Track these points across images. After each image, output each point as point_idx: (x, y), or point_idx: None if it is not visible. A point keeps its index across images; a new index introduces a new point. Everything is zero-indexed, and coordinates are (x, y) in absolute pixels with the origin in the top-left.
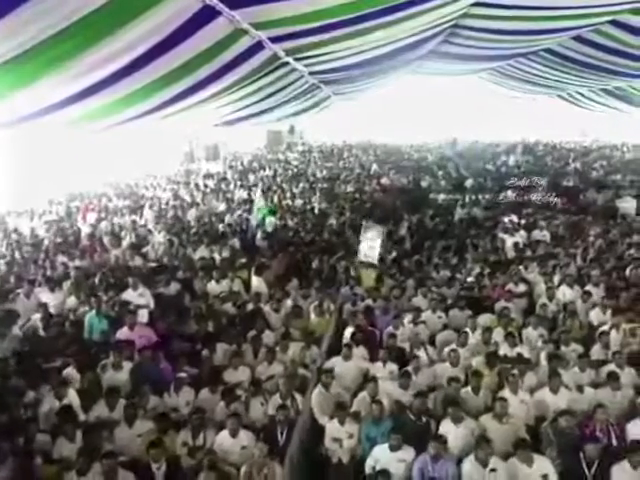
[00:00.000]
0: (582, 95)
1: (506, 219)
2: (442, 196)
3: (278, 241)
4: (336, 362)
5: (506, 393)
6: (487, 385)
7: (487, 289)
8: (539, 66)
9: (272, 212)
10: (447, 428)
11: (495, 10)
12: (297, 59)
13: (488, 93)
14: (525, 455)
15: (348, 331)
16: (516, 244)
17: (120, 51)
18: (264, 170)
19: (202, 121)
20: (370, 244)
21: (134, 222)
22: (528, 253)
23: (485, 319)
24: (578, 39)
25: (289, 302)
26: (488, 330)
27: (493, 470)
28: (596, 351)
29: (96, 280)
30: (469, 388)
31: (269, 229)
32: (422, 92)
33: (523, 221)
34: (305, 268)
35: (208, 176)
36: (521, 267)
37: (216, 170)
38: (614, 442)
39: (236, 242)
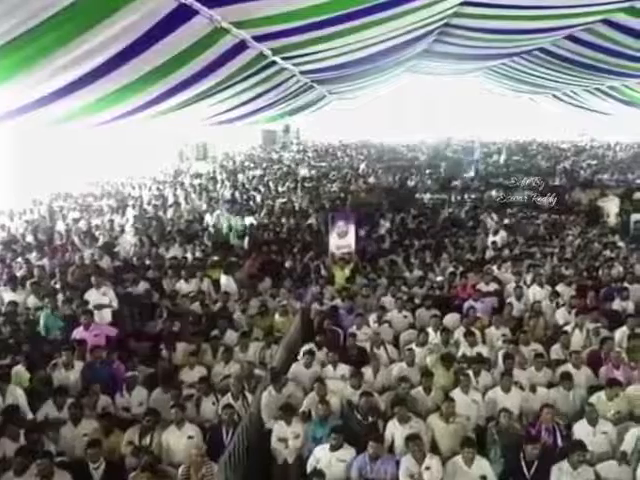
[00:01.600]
0: (577, 95)
1: (487, 218)
2: (428, 195)
3: (253, 240)
4: (296, 369)
5: (457, 393)
6: (441, 385)
7: (457, 288)
8: (534, 66)
9: (250, 212)
10: (393, 428)
11: (485, 9)
12: (285, 58)
13: (485, 93)
14: (467, 455)
15: None
16: (494, 243)
17: (93, 51)
18: (254, 170)
19: (193, 120)
20: (342, 239)
21: (112, 222)
22: (506, 252)
23: (450, 319)
24: (571, 38)
25: (256, 301)
26: (446, 330)
27: (428, 468)
28: (555, 351)
29: (56, 279)
30: (420, 388)
31: (244, 228)
32: (420, 91)
33: (507, 221)
34: (278, 267)
35: (197, 175)
36: (494, 266)
37: (205, 170)
38: (559, 442)
39: (211, 241)
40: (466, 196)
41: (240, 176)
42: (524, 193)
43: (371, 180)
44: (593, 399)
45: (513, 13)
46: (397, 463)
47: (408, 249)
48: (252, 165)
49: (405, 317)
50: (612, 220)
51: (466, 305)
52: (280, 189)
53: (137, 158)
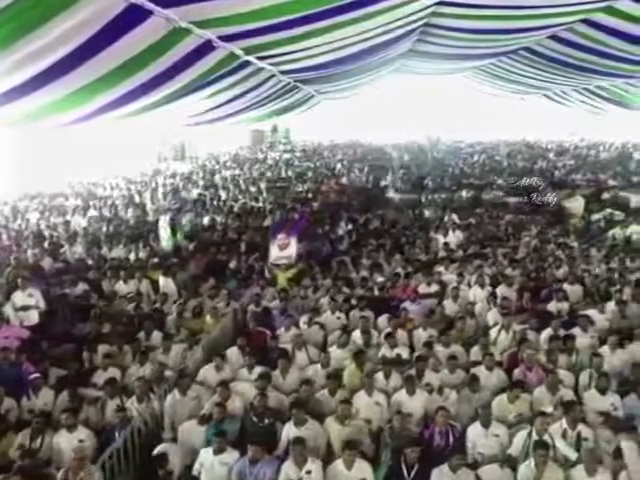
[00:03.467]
0: (567, 94)
1: (447, 218)
2: (399, 195)
3: (199, 241)
4: (206, 372)
5: (361, 394)
6: (355, 386)
7: (397, 290)
8: (521, 65)
9: (198, 213)
10: (289, 430)
11: (463, 9)
12: (261, 58)
13: (477, 93)
14: (347, 458)
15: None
16: (446, 244)
17: (42, 51)
18: (231, 170)
19: (171, 121)
20: (282, 250)
21: (67, 222)
22: (460, 253)
23: (382, 320)
24: (555, 38)
25: (195, 302)
26: (367, 332)
27: (308, 472)
28: (474, 352)
29: None
30: (326, 390)
31: (192, 229)
32: (411, 92)
33: (473, 220)
34: (223, 268)
35: (173, 176)
36: (441, 267)
37: (182, 170)
38: (451, 444)
39: (157, 242)
40: (436, 196)
41: (216, 177)
42: (493, 193)
43: (343, 180)
44: (495, 401)
45: (492, 13)
46: (278, 466)
47: (361, 250)
48: (233, 165)
49: (338, 318)
50: (576, 220)
51: (401, 306)
52: (251, 189)
53: (116, 158)
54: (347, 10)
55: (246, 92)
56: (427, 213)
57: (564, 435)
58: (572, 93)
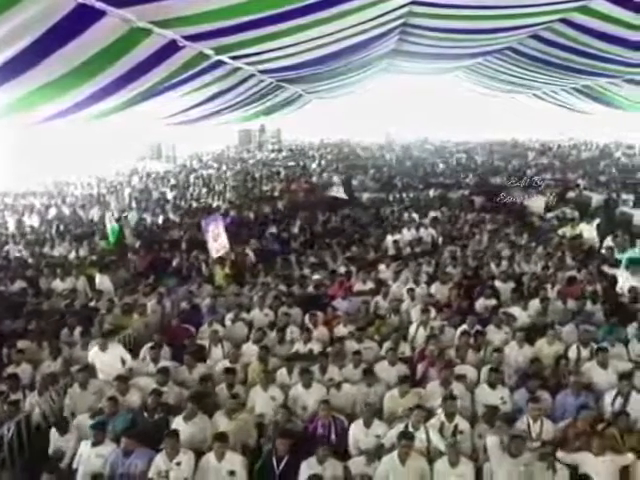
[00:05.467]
0: (556, 94)
1: (406, 217)
2: (367, 194)
3: (144, 239)
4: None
5: (257, 389)
6: (253, 381)
7: (331, 287)
8: (508, 65)
9: (155, 212)
10: (179, 424)
11: (438, 9)
12: (234, 58)
13: (470, 93)
14: (218, 450)
15: None
16: (395, 242)
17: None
18: (209, 170)
19: (152, 120)
20: (216, 241)
21: (19, 221)
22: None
23: (307, 317)
24: (537, 38)
25: (130, 299)
26: (281, 328)
27: (178, 464)
28: (385, 348)
29: None
30: (223, 385)
31: (141, 227)
32: (402, 91)
33: (436, 217)
34: (166, 265)
35: (148, 175)
36: (383, 266)
37: (158, 169)
38: (333, 438)
39: (103, 240)
40: (404, 195)
41: (191, 176)
42: (460, 192)
43: (314, 180)
44: (387, 396)
45: (468, 13)
46: (150, 458)
47: (311, 248)
48: (214, 165)
49: (266, 315)
50: (535, 219)
51: (332, 304)
52: (217, 188)
53: (96, 158)
54: (315, 10)
55: (224, 92)
56: (388, 212)
57: (441, 428)
58: (561, 93)
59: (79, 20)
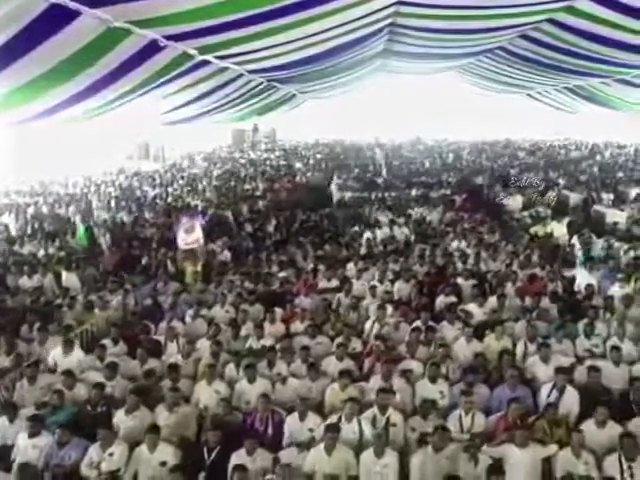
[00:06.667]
0: (549, 94)
1: (381, 216)
2: (349, 194)
3: (115, 237)
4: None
5: (202, 384)
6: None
7: (296, 285)
8: (499, 65)
9: (131, 210)
10: (120, 417)
11: (425, 9)
12: (220, 57)
13: (464, 92)
14: (149, 441)
15: None
16: (368, 240)
17: None
18: (196, 169)
19: (142, 119)
20: (189, 234)
21: None
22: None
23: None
24: (527, 38)
25: (95, 297)
26: (236, 325)
27: (111, 455)
28: (336, 344)
29: None
30: (167, 379)
31: (114, 226)
32: (397, 91)
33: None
34: (135, 262)
35: (136, 174)
36: (351, 264)
37: (146, 169)
38: (270, 431)
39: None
40: (387, 194)
41: (178, 175)
42: (441, 191)
43: (297, 179)
44: (328, 390)
45: (452, 13)
46: (85, 449)
47: (284, 246)
48: (204, 164)
49: (227, 312)
50: (508, 218)
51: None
52: (199, 187)
53: (86, 157)
54: (296, 10)
55: (212, 91)
56: (367, 211)
57: (374, 420)
58: (553, 92)
59: (53, 20)
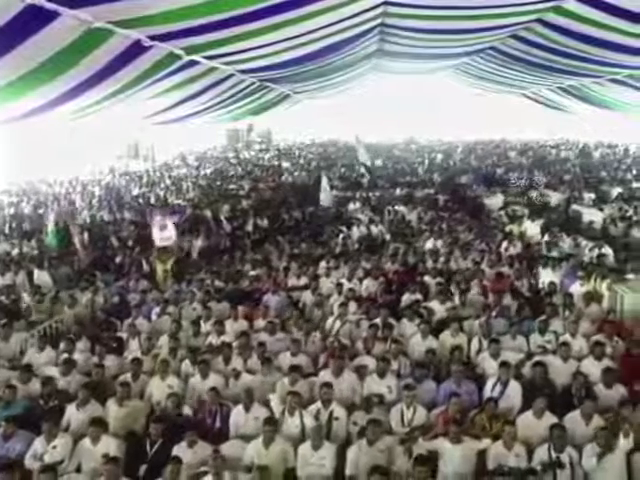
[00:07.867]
0: (543, 93)
1: (361, 215)
2: (334, 192)
3: (92, 237)
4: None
5: (155, 379)
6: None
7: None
8: (493, 65)
9: (111, 209)
10: (71, 411)
11: (413, 10)
12: (209, 57)
13: (460, 92)
14: (93, 434)
15: None
16: (344, 239)
17: None
18: (185, 169)
19: (132, 120)
20: (162, 231)
21: None
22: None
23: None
24: (518, 38)
25: (65, 294)
26: (196, 322)
27: (54, 447)
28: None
29: None
30: (129, 375)
31: (91, 225)
32: (394, 91)
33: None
34: (108, 262)
35: (126, 174)
36: (324, 262)
37: (135, 169)
38: (218, 423)
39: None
40: (371, 194)
41: (166, 175)
42: (425, 191)
43: (283, 178)
44: (278, 384)
45: (440, 13)
46: (31, 442)
47: (260, 245)
48: (195, 164)
49: (194, 309)
50: (485, 217)
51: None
52: (182, 187)
53: (74, 156)
54: (283, 10)
55: (202, 91)
56: (349, 210)
57: (317, 414)
58: (547, 92)
59: (30, 21)
